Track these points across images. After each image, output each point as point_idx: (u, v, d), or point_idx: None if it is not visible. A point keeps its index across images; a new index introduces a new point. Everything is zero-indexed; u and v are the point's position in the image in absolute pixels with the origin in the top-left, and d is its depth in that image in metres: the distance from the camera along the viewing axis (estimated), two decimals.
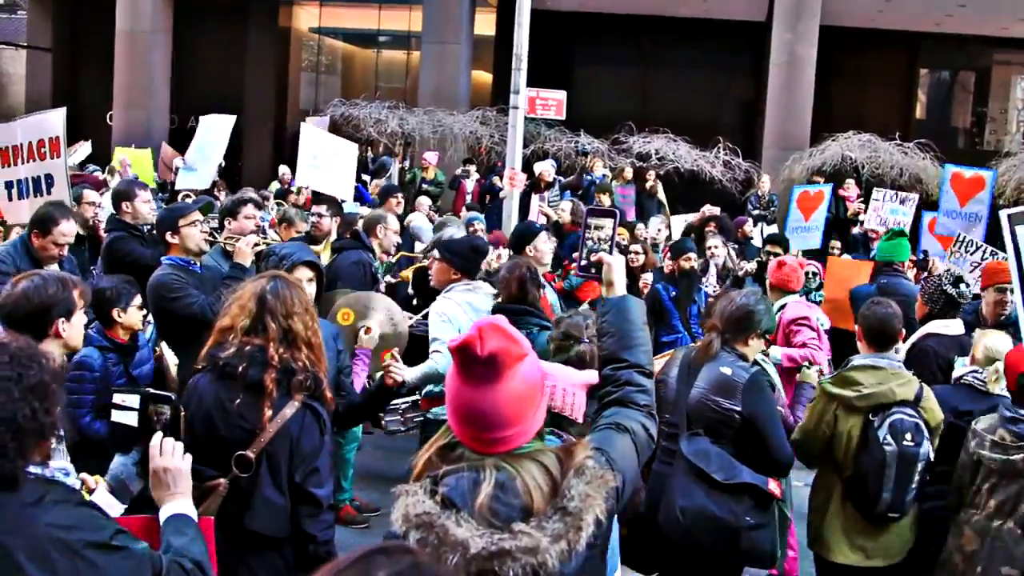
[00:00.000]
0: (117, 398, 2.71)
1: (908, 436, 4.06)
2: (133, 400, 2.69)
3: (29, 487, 2.09)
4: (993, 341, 4.62)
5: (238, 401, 3.12)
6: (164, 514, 2.46)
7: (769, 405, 4.13)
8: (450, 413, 2.02)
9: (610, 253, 2.64)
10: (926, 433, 4.12)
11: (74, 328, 3.43)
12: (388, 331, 5.04)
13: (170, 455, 2.55)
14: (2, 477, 2.04)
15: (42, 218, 5.41)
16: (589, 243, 2.72)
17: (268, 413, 3.10)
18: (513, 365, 1.97)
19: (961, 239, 6.90)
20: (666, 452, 4.15)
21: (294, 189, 9.74)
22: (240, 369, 3.10)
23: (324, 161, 10.15)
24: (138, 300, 4.66)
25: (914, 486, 4.10)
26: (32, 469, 2.13)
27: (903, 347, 5.06)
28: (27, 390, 2.08)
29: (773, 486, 4.00)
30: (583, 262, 2.71)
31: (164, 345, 4.28)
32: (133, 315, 4.62)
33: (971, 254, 6.70)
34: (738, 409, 4.00)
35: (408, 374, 4.18)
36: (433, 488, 1.92)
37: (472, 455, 1.98)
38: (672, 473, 4.05)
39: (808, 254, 11.10)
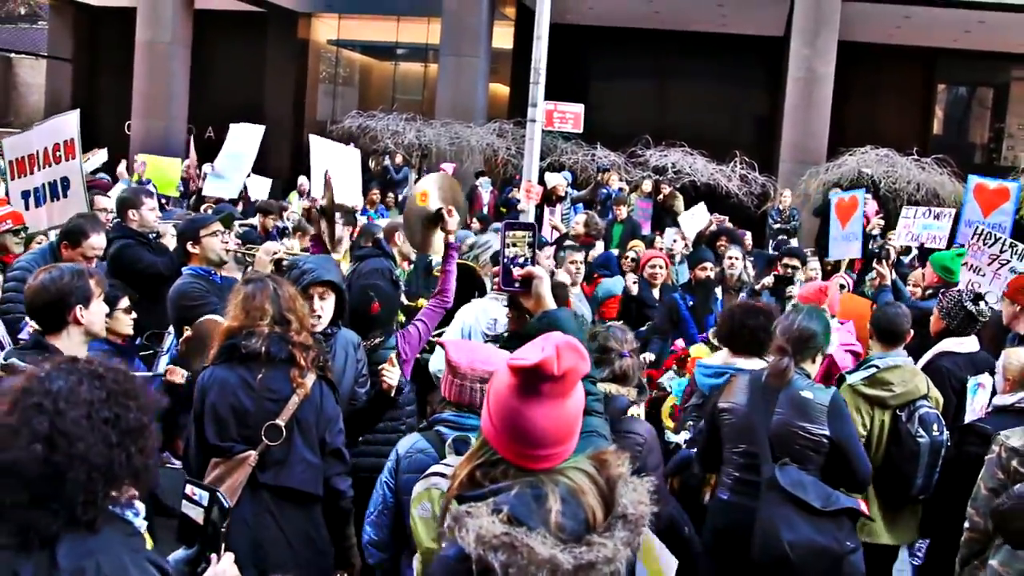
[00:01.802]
0: (189, 489, 2.73)
1: (935, 427, 4.46)
2: (203, 496, 2.69)
3: (105, 530, 1.94)
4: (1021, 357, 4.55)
5: (260, 376, 3.45)
6: None
7: (851, 426, 4.13)
8: (499, 431, 1.96)
9: (532, 265, 2.62)
10: (942, 421, 4.53)
11: (93, 315, 3.61)
12: (448, 198, 4.96)
13: (224, 571, 2.50)
14: (85, 522, 1.90)
15: (72, 230, 5.36)
16: (508, 257, 2.63)
17: (300, 379, 3.46)
18: (577, 382, 1.97)
19: (980, 232, 6.77)
20: (744, 483, 4.06)
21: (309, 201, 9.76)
22: (263, 349, 3.44)
23: (335, 171, 10.10)
24: (123, 303, 4.55)
25: (938, 469, 4.48)
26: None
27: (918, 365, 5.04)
28: (124, 433, 1.93)
29: (863, 507, 3.98)
30: (506, 276, 2.62)
31: (174, 369, 4.32)
32: (120, 318, 4.50)
33: (989, 247, 6.59)
34: (826, 433, 3.94)
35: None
36: (495, 508, 1.86)
37: (520, 472, 1.94)
38: (762, 506, 3.90)
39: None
